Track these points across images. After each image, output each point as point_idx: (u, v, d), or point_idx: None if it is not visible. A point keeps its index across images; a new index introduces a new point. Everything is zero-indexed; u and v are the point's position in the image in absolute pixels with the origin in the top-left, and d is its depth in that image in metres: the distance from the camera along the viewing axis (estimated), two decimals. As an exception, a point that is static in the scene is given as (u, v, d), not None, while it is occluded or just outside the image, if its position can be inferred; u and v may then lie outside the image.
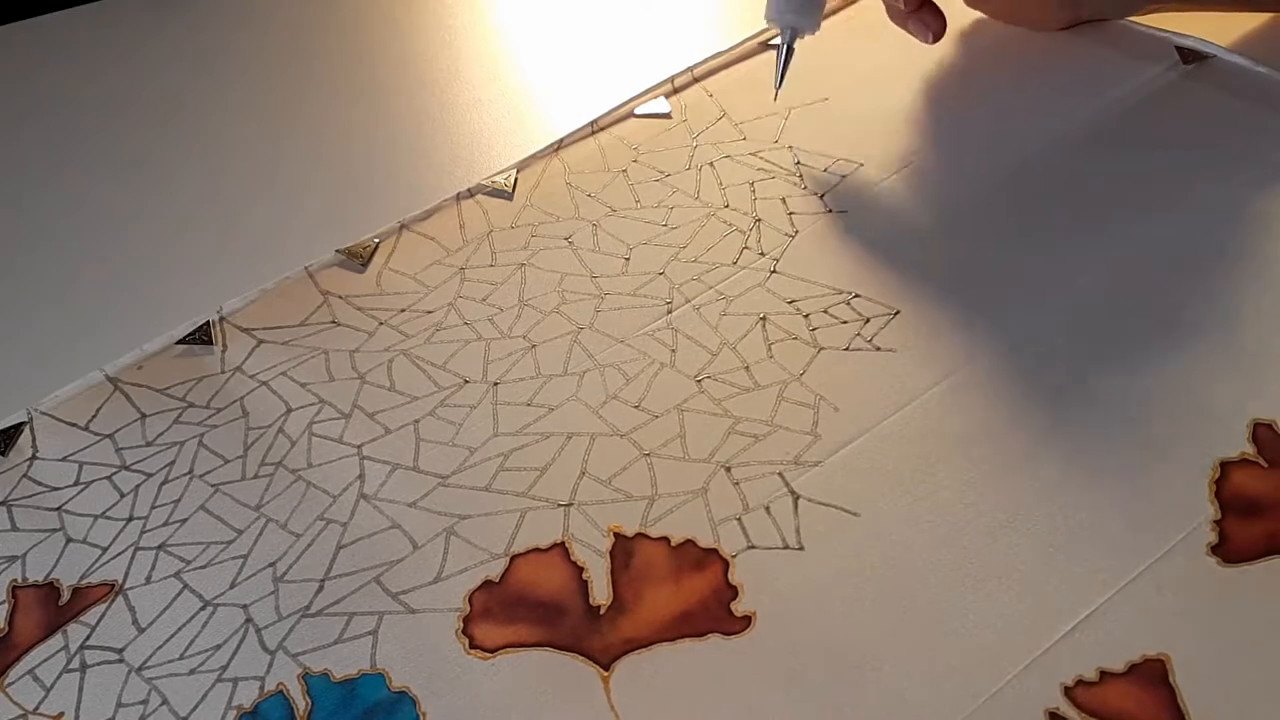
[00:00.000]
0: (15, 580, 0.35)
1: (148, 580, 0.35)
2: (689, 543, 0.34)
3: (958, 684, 0.30)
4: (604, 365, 0.39)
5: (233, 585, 0.34)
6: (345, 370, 0.40)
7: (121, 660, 0.33)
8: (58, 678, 0.33)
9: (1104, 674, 0.30)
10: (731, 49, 0.52)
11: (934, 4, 0.48)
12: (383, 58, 0.56)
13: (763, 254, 0.42)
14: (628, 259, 0.43)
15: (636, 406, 0.37)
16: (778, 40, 0.45)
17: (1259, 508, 0.33)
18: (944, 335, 0.38)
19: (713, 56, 0.51)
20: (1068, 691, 0.29)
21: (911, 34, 0.49)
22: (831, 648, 0.31)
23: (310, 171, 0.50)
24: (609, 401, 0.38)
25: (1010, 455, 0.35)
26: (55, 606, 0.34)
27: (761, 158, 0.46)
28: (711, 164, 0.46)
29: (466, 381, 0.39)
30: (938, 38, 0.48)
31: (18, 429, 0.39)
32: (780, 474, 0.35)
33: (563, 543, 0.34)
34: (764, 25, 0.52)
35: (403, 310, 0.42)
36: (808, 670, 0.30)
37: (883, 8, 0.50)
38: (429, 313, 0.42)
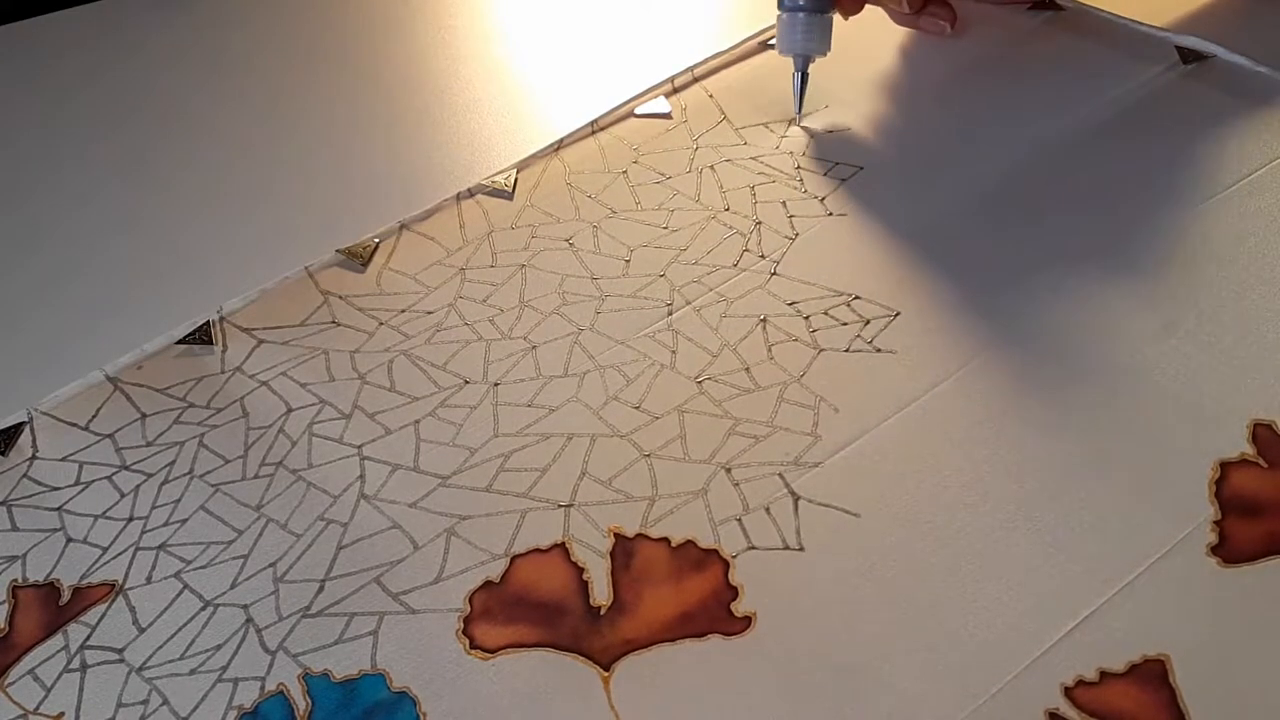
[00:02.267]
0: (15, 580, 0.35)
1: (148, 580, 0.35)
2: (689, 543, 0.34)
3: (958, 684, 0.30)
4: (604, 366, 0.39)
5: (233, 585, 0.34)
6: (345, 370, 0.40)
7: (122, 660, 0.33)
8: (58, 678, 0.33)
9: (1104, 674, 0.30)
10: (731, 49, 0.52)
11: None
12: (383, 57, 0.56)
13: (763, 256, 0.42)
14: (628, 261, 0.43)
15: (637, 407, 0.37)
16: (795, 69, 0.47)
17: (1259, 508, 0.33)
18: (944, 337, 0.38)
19: (713, 56, 0.51)
20: (1068, 692, 0.29)
21: (924, 31, 0.49)
22: (831, 648, 0.31)
23: (310, 171, 0.50)
24: (609, 403, 0.38)
25: (1010, 456, 0.35)
26: (55, 606, 0.34)
27: (762, 162, 0.46)
28: (712, 167, 0.46)
29: (467, 382, 0.39)
30: (953, 25, 0.48)
31: (18, 429, 0.39)
32: (780, 475, 0.35)
33: (563, 543, 0.34)
34: (764, 25, 0.53)
35: (403, 311, 0.42)
36: (808, 671, 0.30)
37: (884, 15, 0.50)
38: (429, 313, 0.42)
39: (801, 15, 0.45)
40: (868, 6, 0.50)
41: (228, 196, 0.49)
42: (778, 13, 0.46)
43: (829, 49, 0.46)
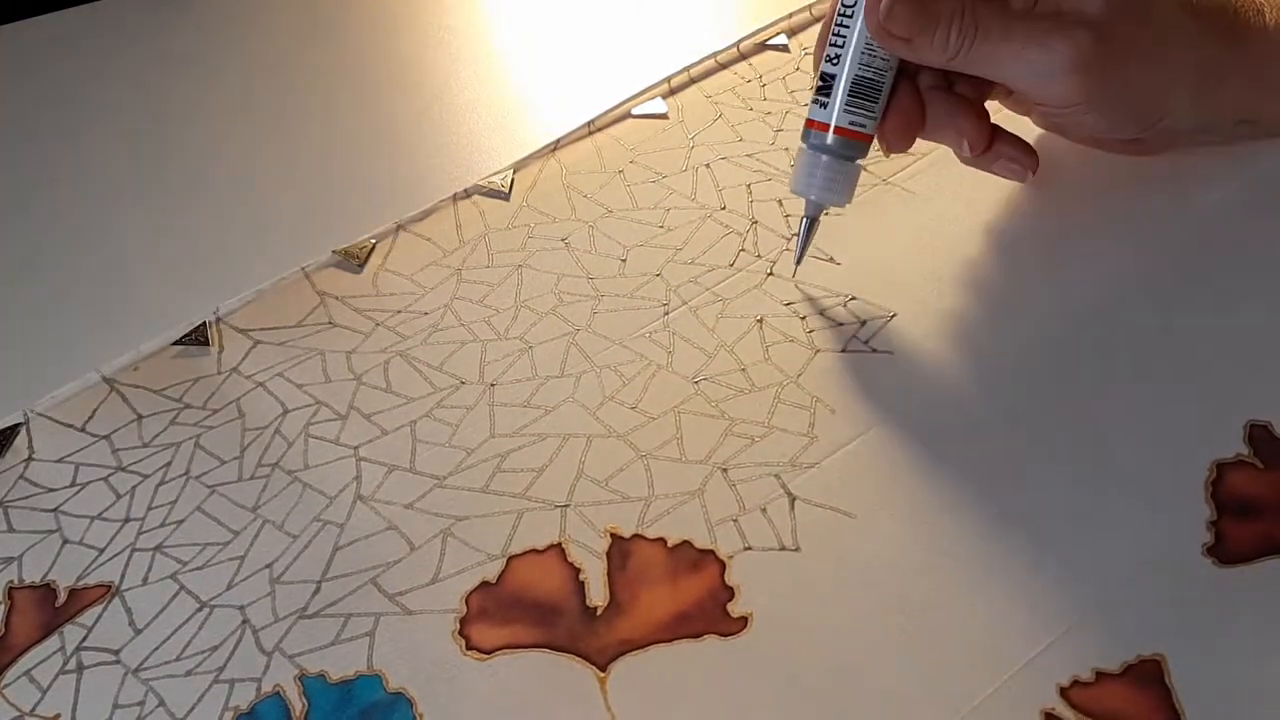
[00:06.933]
0: (12, 581, 0.35)
1: (144, 581, 0.35)
2: (685, 544, 0.34)
3: (954, 685, 0.30)
4: (601, 367, 0.39)
5: (229, 586, 0.34)
6: (342, 371, 0.40)
7: (118, 661, 0.33)
8: (54, 679, 0.33)
9: (1099, 674, 0.30)
10: (728, 49, 0.52)
11: (1008, 135, 0.39)
12: (380, 58, 0.56)
13: (759, 256, 0.42)
14: (624, 260, 0.43)
15: (633, 408, 0.37)
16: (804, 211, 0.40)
17: (1255, 509, 0.33)
18: (940, 337, 0.38)
19: (709, 57, 0.51)
20: (1063, 692, 0.29)
21: (1001, 175, 0.40)
22: (828, 648, 0.31)
23: (307, 171, 0.50)
24: (606, 403, 0.38)
25: (1006, 457, 0.35)
26: (52, 608, 0.34)
27: (758, 159, 0.46)
28: (708, 165, 0.46)
29: (463, 383, 0.39)
30: (1034, 170, 0.39)
31: (14, 430, 0.39)
32: (777, 475, 0.35)
33: (559, 544, 0.34)
34: (760, 26, 0.53)
35: (399, 311, 0.42)
36: (804, 671, 0.31)
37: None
38: (425, 314, 0.42)
39: (826, 159, 0.37)
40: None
41: (224, 197, 0.49)
42: (800, 144, 0.39)
43: (849, 200, 0.38)
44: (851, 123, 0.37)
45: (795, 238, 0.42)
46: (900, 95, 0.37)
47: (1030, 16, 0.35)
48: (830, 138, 0.37)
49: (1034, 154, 0.39)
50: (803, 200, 0.39)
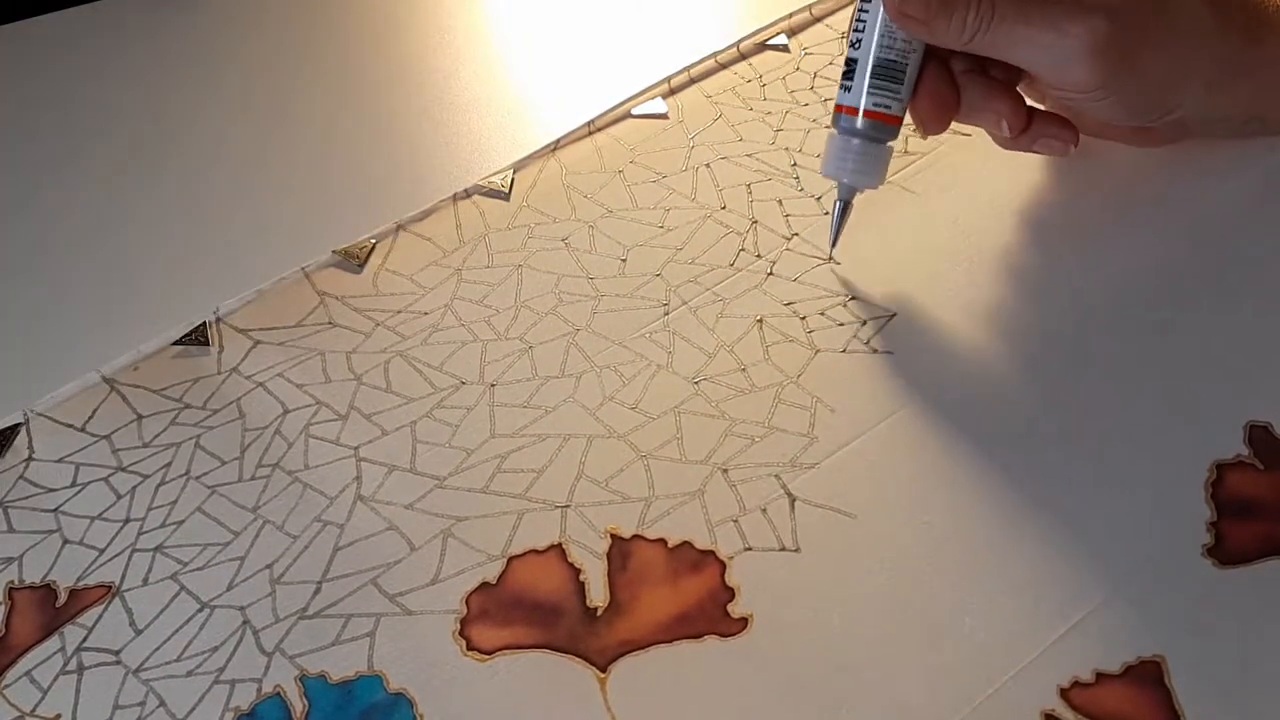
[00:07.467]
0: (12, 582, 0.35)
1: (145, 582, 0.35)
2: (686, 544, 0.34)
3: (954, 686, 0.30)
4: (601, 367, 0.39)
5: (230, 587, 0.34)
6: (342, 371, 0.40)
7: (119, 662, 0.33)
8: (55, 679, 0.33)
9: (1100, 675, 0.30)
10: (728, 49, 0.52)
11: (1045, 114, 0.39)
12: (380, 58, 0.56)
13: (759, 256, 0.42)
14: (624, 260, 0.43)
15: (633, 408, 0.37)
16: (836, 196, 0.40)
17: (1254, 509, 0.33)
18: (941, 337, 0.38)
19: (709, 57, 0.51)
20: (1064, 693, 0.29)
21: (1041, 153, 0.40)
22: (828, 649, 0.31)
23: (307, 171, 0.50)
24: (606, 403, 0.38)
25: (1006, 457, 0.35)
26: (52, 608, 0.34)
27: (758, 159, 0.46)
28: (708, 165, 0.46)
29: (463, 383, 0.39)
30: (1075, 143, 0.39)
31: (14, 430, 0.39)
32: (777, 476, 0.35)
33: (560, 544, 0.34)
34: (760, 26, 0.53)
35: (399, 311, 0.42)
36: (804, 672, 0.31)
37: None
38: (425, 314, 0.42)
39: (857, 142, 0.38)
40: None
41: (224, 197, 0.49)
42: (829, 129, 0.39)
43: (881, 182, 0.39)
44: (876, 104, 0.37)
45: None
46: (932, 77, 0.38)
47: (1049, 0, 0.35)
48: (860, 121, 0.38)
49: (1073, 128, 0.39)
50: (834, 184, 0.39)
